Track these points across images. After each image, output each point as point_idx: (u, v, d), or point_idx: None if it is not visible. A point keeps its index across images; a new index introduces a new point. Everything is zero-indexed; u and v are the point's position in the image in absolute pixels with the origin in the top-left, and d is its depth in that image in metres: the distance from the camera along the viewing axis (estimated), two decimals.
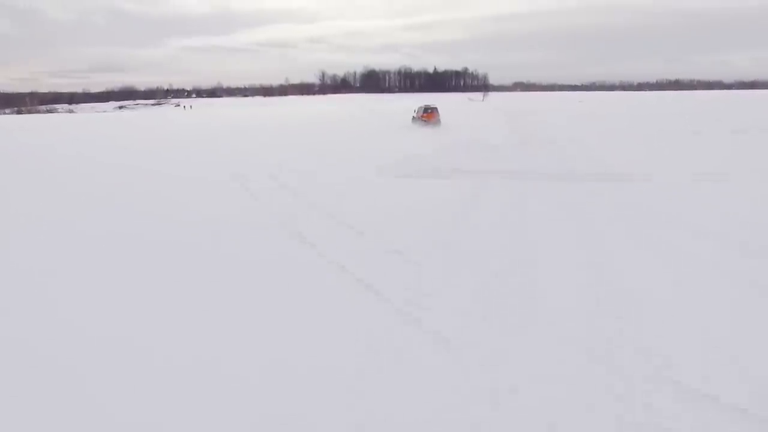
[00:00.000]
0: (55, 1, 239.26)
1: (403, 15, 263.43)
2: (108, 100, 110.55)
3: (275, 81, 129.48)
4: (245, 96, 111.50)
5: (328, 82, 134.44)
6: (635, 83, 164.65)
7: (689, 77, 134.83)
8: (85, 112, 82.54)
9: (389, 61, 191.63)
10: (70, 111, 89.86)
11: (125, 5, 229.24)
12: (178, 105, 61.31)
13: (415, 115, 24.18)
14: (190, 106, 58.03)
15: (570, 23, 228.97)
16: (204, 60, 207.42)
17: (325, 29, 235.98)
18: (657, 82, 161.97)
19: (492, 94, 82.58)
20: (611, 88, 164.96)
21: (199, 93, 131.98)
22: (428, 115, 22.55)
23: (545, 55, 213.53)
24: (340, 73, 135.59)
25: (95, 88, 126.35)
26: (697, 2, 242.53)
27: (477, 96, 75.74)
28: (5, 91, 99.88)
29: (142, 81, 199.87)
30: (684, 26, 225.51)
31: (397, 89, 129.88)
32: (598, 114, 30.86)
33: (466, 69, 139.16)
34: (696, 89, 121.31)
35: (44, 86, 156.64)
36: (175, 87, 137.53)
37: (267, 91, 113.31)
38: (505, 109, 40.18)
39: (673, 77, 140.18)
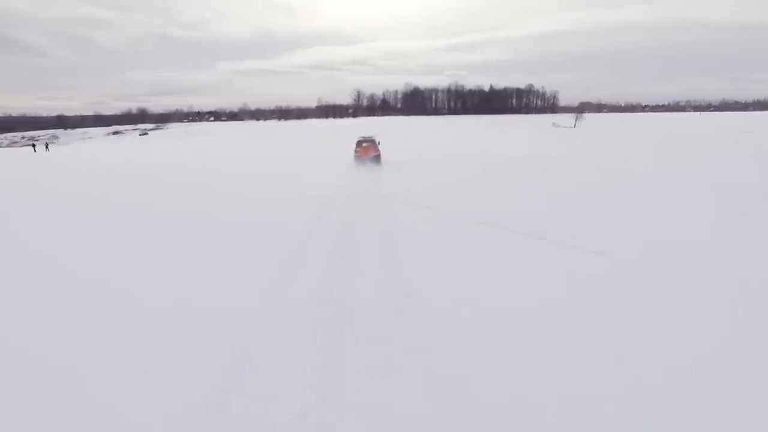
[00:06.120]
0: (102, 27, 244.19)
1: (445, 35, 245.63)
2: (111, 124, 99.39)
3: (315, 103, 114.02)
4: (257, 119, 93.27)
5: (365, 102, 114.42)
6: (740, 102, 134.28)
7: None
8: (73, 138, 69.59)
9: (434, 83, 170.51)
10: (53, 137, 77.89)
11: (171, 30, 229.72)
12: (34, 143, 40.58)
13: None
14: (46, 146, 37.67)
15: (616, 41, 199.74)
16: (255, 83, 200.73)
17: (367, 51, 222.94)
18: (765, 99, 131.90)
19: (586, 117, 54.82)
20: (703, 108, 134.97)
21: (218, 116, 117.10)
22: (362, 150, 18.90)
23: (597, 75, 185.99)
24: (382, 93, 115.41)
25: (155, 110, 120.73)
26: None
27: (565, 120, 49.89)
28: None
29: (198, 102, 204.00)
30: (751, 40, 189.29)
31: (445, 110, 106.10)
32: None
33: (530, 86, 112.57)
34: None
35: (110, 109, 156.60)
36: (195, 110, 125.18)
37: (283, 114, 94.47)
38: None
39: (740, 96, 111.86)
